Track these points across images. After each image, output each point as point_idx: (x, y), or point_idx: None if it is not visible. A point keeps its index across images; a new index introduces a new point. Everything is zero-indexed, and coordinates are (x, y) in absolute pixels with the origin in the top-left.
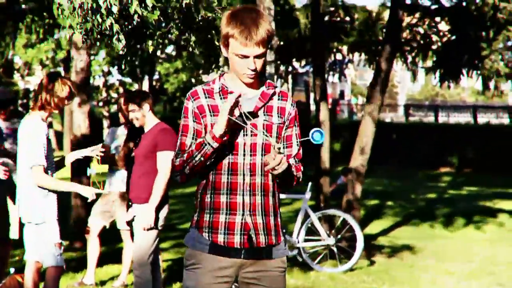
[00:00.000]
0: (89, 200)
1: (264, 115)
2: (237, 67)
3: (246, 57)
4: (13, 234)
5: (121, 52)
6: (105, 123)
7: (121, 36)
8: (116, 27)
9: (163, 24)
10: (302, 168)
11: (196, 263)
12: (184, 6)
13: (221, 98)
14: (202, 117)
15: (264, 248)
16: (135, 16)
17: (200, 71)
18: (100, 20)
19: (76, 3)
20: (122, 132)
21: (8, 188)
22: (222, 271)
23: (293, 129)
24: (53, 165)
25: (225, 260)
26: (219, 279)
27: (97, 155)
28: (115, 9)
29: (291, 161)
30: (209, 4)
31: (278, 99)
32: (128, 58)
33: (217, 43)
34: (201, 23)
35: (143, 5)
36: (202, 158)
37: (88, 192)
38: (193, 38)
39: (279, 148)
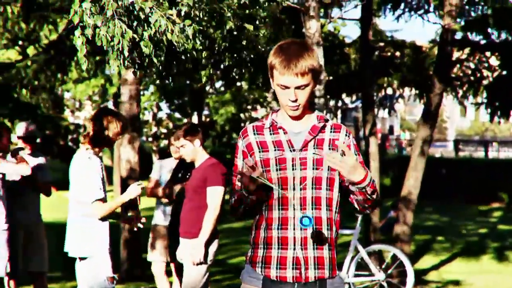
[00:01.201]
0: (138, 227)
1: (314, 148)
2: (280, 99)
3: (287, 87)
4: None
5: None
6: (154, 157)
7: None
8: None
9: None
10: (376, 186)
11: None
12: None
13: (270, 134)
14: (250, 155)
15: (317, 282)
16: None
17: (249, 106)
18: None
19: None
20: (169, 164)
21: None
22: None
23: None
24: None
25: None
26: None
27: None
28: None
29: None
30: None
31: (331, 132)
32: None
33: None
34: (252, 56)
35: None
36: (247, 207)
37: (134, 190)
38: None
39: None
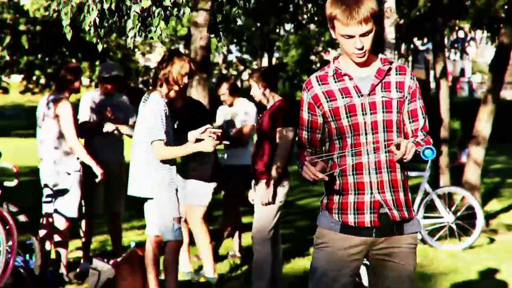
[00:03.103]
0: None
1: (382, 91)
2: (345, 48)
3: (351, 37)
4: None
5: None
6: None
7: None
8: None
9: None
10: (431, 140)
11: (326, 242)
12: None
13: (335, 82)
14: (317, 106)
15: (396, 224)
16: None
17: (319, 48)
18: None
19: None
20: (224, 110)
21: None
22: (352, 249)
23: (417, 103)
24: (175, 141)
25: (356, 239)
26: (349, 257)
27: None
28: None
29: (419, 134)
30: None
31: (396, 74)
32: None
33: None
34: None
35: None
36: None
37: (208, 145)
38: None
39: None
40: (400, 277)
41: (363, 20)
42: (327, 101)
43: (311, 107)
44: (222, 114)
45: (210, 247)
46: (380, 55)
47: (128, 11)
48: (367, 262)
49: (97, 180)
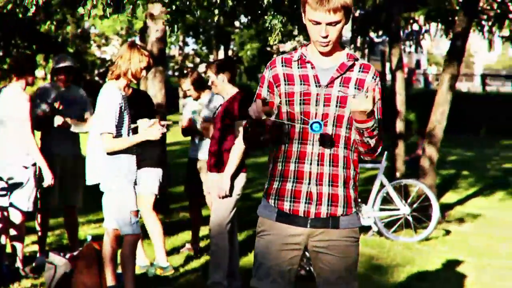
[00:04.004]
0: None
1: (340, 86)
2: (311, 34)
3: (318, 23)
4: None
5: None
6: (181, 92)
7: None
8: None
9: None
10: (379, 138)
11: (266, 230)
12: None
13: (298, 67)
14: (276, 86)
15: (330, 218)
16: None
17: (275, 40)
18: None
19: None
20: (191, 103)
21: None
22: (291, 239)
23: (376, 104)
24: (129, 133)
25: (293, 228)
26: (288, 246)
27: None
28: None
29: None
30: None
31: (359, 71)
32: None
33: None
34: None
35: None
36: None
37: (155, 132)
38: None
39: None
40: (339, 270)
41: (332, 9)
42: (285, 84)
43: (270, 86)
44: (189, 107)
45: (162, 237)
46: (347, 50)
47: None
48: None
49: (44, 184)
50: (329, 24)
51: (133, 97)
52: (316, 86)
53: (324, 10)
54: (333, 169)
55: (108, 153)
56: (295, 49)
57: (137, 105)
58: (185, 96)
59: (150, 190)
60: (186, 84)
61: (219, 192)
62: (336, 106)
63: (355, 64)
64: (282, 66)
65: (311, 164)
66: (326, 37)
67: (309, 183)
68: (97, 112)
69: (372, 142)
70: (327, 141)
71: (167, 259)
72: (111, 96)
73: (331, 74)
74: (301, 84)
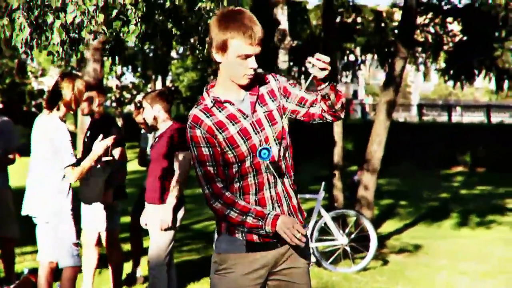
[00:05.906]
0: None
1: (261, 107)
2: (237, 70)
3: (248, 56)
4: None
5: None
6: (119, 123)
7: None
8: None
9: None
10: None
11: (229, 267)
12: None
13: (220, 111)
14: (214, 137)
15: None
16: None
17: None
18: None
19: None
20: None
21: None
22: (255, 273)
23: (296, 88)
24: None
25: (260, 261)
26: (253, 281)
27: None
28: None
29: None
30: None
31: (263, 85)
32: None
33: None
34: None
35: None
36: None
37: (100, 146)
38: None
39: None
40: None
41: (260, 41)
42: (220, 132)
43: (210, 140)
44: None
45: (93, 270)
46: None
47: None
48: None
49: None
50: (256, 55)
51: (101, 121)
52: (245, 118)
53: (256, 43)
54: (283, 185)
55: (59, 185)
56: (201, 96)
57: (106, 128)
58: (124, 125)
59: (93, 227)
60: (139, 118)
61: (162, 225)
62: (269, 126)
63: (257, 82)
64: (207, 117)
65: (270, 188)
66: (256, 68)
67: (273, 208)
68: (39, 143)
69: (338, 103)
70: (277, 162)
71: None
72: (61, 130)
73: (248, 101)
74: (233, 124)
